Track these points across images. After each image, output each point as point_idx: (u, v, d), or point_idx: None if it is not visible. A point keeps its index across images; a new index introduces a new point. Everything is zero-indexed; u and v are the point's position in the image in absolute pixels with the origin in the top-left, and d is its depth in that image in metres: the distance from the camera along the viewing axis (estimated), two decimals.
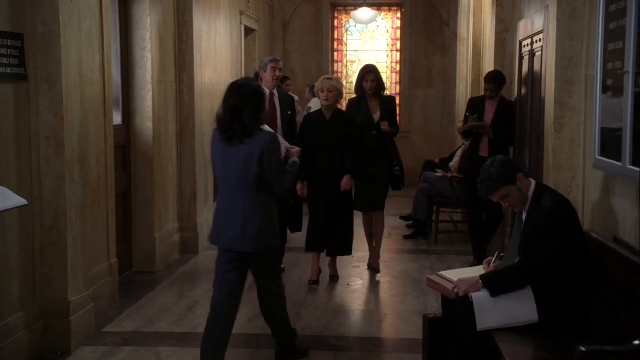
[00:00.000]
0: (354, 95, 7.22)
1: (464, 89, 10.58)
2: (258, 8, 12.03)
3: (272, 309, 4.51)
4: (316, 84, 6.64)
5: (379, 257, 7.12)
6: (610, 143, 3.85)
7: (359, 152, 6.53)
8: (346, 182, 6.46)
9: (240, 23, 10.68)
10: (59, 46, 4.72)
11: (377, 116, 6.92)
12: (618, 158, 3.66)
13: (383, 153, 6.92)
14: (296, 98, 8.54)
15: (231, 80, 8.82)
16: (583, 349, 2.84)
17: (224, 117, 4.18)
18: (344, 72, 14.38)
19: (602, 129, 4.01)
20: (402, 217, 9.39)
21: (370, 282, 6.74)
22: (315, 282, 6.60)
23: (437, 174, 8.69)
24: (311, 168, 6.40)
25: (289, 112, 6.76)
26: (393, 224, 9.11)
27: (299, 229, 7.05)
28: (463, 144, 8.48)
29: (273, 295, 4.46)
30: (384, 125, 6.85)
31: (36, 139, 4.74)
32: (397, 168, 6.95)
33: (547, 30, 5.09)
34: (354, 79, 14.48)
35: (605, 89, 3.95)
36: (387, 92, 6.91)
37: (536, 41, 5.77)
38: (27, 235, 4.70)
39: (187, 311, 5.78)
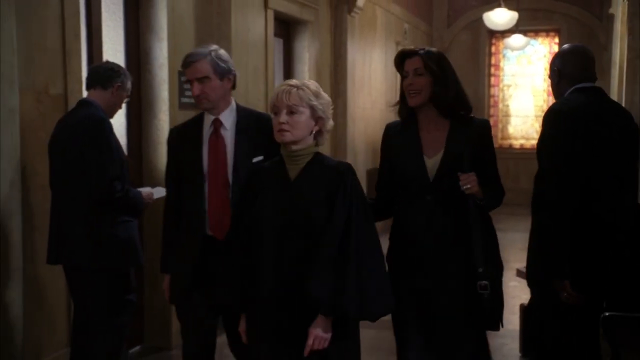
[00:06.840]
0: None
1: None
2: (415, 37, 12.99)
3: None
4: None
5: None
6: None
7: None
8: (318, 334, 2.68)
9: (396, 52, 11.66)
10: None
11: (435, 160, 3.14)
12: None
13: (455, 244, 3.07)
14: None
15: (385, 105, 9.89)
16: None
17: None
18: (500, 95, 14.94)
19: None
20: None
21: None
22: None
23: None
24: (253, 285, 2.82)
25: (260, 158, 3.33)
26: None
27: None
28: None
29: None
30: (468, 182, 3.00)
31: None
32: (484, 281, 2.98)
33: None
34: (510, 102, 15.07)
35: None
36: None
37: None
38: None
39: None
